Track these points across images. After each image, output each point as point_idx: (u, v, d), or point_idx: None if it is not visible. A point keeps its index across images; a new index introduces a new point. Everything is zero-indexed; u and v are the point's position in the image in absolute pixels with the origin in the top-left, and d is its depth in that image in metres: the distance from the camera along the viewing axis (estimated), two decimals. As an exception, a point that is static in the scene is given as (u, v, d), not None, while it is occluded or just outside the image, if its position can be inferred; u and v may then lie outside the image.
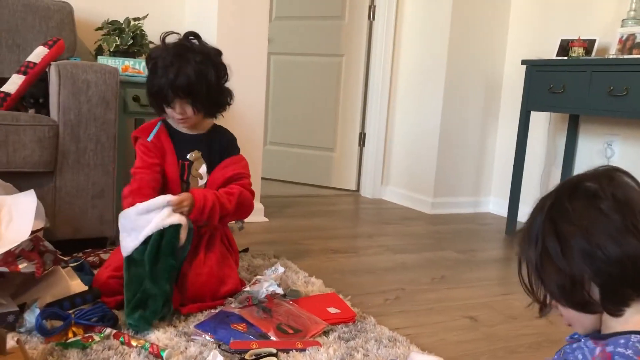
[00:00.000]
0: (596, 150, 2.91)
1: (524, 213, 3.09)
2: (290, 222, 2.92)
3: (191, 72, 1.66)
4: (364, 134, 3.76)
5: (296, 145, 3.99)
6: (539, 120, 3.13)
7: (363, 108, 3.76)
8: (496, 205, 3.48)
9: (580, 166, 2.99)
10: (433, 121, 3.36)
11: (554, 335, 1.70)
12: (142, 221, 1.57)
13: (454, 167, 3.41)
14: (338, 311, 1.66)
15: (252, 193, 1.83)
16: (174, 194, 1.67)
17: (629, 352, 0.73)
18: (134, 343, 1.37)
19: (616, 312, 0.80)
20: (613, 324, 0.82)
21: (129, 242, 1.57)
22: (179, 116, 1.74)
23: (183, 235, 1.58)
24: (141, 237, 1.55)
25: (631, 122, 2.72)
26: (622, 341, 0.76)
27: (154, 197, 1.61)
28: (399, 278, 2.14)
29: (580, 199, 0.81)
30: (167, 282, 1.53)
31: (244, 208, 1.79)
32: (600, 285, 0.79)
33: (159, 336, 1.44)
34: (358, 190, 3.84)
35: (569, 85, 2.60)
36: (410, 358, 1.09)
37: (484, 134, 3.46)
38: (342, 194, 3.81)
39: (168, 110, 1.74)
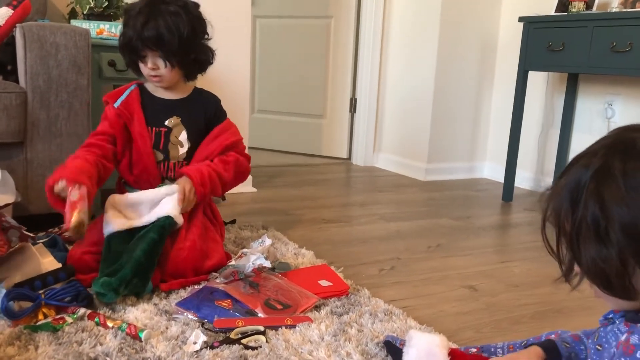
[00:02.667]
0: (596, 111, 2.80)
1: (521, 178, 3.00)
2: (280, 192, 2.81)
3: (161, 22, 1.57)
4: (355, 100, 3.63)
5: (284, 113, 3.86)
6: (537, 80, 3.01)
7: (354, 72, 3.62)
8: (492, 170, 3.38)
9: (580, 128, 2.89)
10: (426, 85, 3.24)
11: (559, 304, 1.61)
12: (141, 207, 1.58)
13: (448, 132, 3.30)
14: (330, 284, 1.56)
15: (248, 158, 1.81)
16: (146, 165, 1.62)
17: None
18: (110, 324, 1.27)
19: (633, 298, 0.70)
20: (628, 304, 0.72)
21: (116, 224, 1.50)
22: (152, 72, 1.64)
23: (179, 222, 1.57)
24: (137, 223, 1.53)
25: (633, 80, 2.61)
26: None
27: (89, 167, 1.52)
28: (393, 247, 2.04)
29: (636, 161, 0.68)
30: (142, 252, 1.42)
31: (241, 174, 1.78)
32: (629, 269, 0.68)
33: (138, 315, 1.34)
34: (349, 158, 3.73)
35: (569, 42, 2.47)
36: (409, 336, 0.99)
37: (478, 97, 3.34)
38: (333, 162, 3.69)
39: (141, 67, 1.65)
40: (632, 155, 0.68)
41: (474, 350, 1.13)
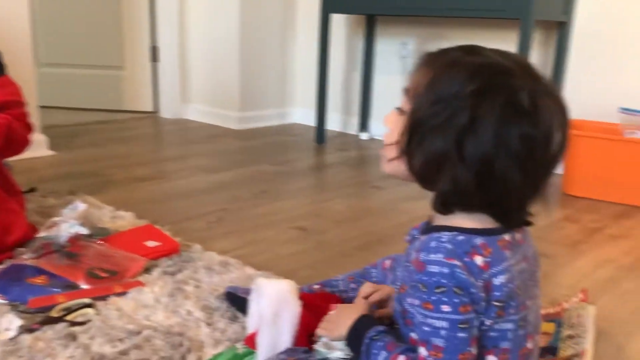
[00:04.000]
0: (393, 52, 2.98)
1: (330, 120, 3.10)
2: (83, 153, 2.55)
3: None
4: (156, 48, 3.40)
5: (77, 66, 3.47)
6: (339, 24, 3.10)
7: (151, 18, 3.37)
8: (302, 115, 3.45)
9: (380, 69, 3.05)
10: (231, 32, 3.14)
11: (380, 233, 1.71)
12: None
13: (258, 79, 3.27)
14: (158, 244, 1.46)
15: (29, 126, 1.51)
16: None
17: (439, 255, 0.68)
18: None
19: (443, 211, 0.74)
20: (436, 215, 0.76)
21: None
22: None
23: None
24: None
25: (424, 21, 2.81)
26: (432, 244, 0.70)
27: None
28: (218, 198, 1.98)
29: (511, 108, 0.67)
30: None
31: (14, 144, 1.44)
32: (456, 180, 0.70)
33: None
34: (156, 111, 3.52)
35: (367, -15, 2.57)
36: (258, 285, 0.96)
37: (284, 42, 3.35)
38: (139, 116, 3.45)
39: None
40: (500, 92, 0.69)
41: (316, 287, 1.14)
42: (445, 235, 0.71)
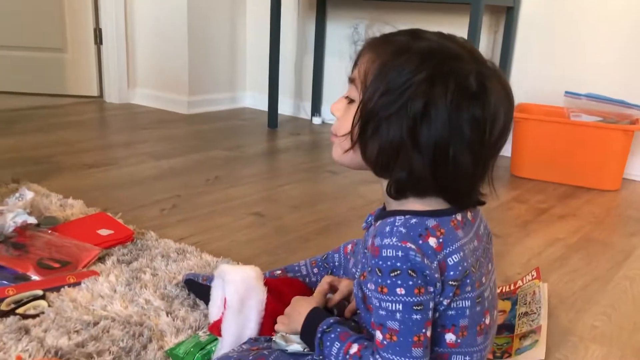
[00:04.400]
0: (344, 35, 2.97)
1: (282, 104, 3.07)
2: (25, 140, 2.44)
3: None
4: (100, 30, 3.28)
5: (15, 48, 3.30)
6: (289, 7, 3.06)
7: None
8: (253, 99, 3.41)
9: (331, 52, 3.05)
10: (178, 11, 3.05)
11: (338, 217, 1.72)
12: None
13: (207, 63, 3.20)
14: (111, 232, 1.42)
15: None
16: None
17: (394, 240, 0.69)
18: None
19: (396, 197, 0.75)
20: (389, 201, 0.77)
21: None
22: None
23: None
24: None
25: (375, 5, 2.81)
26: (387, 229, 0.71)
27: None
28: (170, 185, 1.94)
29: (460, 92, 0.67)
30: None
31: None
32: (411, 167, 0.70)
33: None
34: (101, 95, 3.40)
35: (318, -33, 2.54)
36: (222, 272, 0.94)
37: (233, 26, 3.29)
38: (83, 101, 3.33)
39: None
40: (451, 77, 0.68)
41: (278, 272, 1.14)
42: (398, 220, 0.72)
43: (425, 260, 0.69)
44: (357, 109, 0.73)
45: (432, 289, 0.70)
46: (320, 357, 0.79)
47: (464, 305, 0.73)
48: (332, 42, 3.03)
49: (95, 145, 2.44)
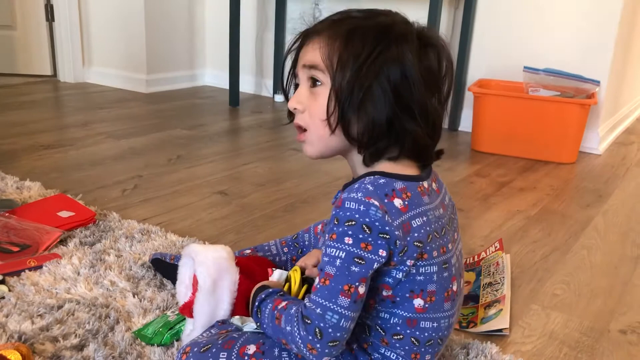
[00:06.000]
0: (305, 12, 2.94)
1: (243, 82, 3.04)
2: (-25, 120, 2.35)
3: None
4: (52, 6, 3.15)
5: (-39, 25, 3.16)
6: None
7: (44, -26, 3.12)
8: (213, 77, 3.35)
9: (292, 29, 3.01)
10: (135, -13, 2.97)
11: (304, 194, 1.72)
12: None
13: (166, 40, 3.12)
14: (72, 214, 1.38)
15: None
16: None
17: (359, 194, 0.70)
18: None
19: (370, 163, 0.76)
20: (360, 170, 0.78)
21: None
22: None
23: None
24: None
25: (335, -18, 2.79)
26: (355, 186, 0.72)
27: None
28: (131, 165, 1.90)
29: (410, 42, 0.72)
30: None
31: None
32: (403, 129, 0.72)
33: None
34: (55, 75, 3.29)
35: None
36: (193, 252, 0.93)
37: (191, 2, 3.21)
38: (35, 80, 3.21)
39: None
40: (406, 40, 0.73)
41: (248, 251, 1.13)
42: (368, 179, 0.73)
43: (387, 217, 0.69)
44: (331, 91, 0.73)
45: (383, 252, 0.69)
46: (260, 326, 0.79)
47: (431, 270, 0.74)
48: (293, 18, 3.00)
49: (51, 125, 2.36)
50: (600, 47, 2.26)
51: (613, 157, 2.32)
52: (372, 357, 0.77)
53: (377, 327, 0.76)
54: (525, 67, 2.24)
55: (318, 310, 0.68)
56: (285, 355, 0.77)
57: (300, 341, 0.69)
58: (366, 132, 0.73)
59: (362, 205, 0.69)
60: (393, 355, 0.76)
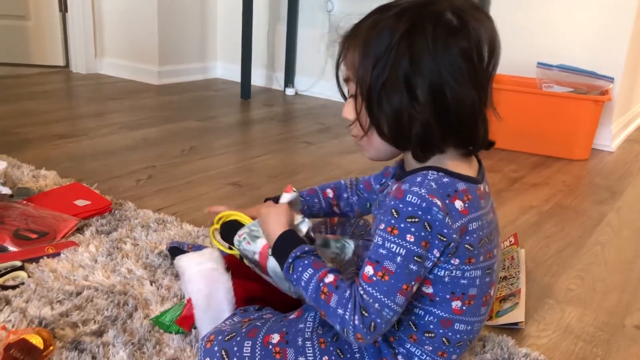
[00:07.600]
0: (317, 5, 2.94)
1: (255, 75, 3.04)
2: (-10, 110, 2.36)
3: None
4: (65, -3, 3.17)
5: (-25, 15, 3.18)
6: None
7: (58, -35, 3.13)
8: (225, 69, 3.36)
9: (304, 22, 3.01)
10: (148, -21, 2.97)
11: (317, 186, 1.72)
12: None
13: (178, 32, 3.13)
14: (88, 202, 1.39)
15: None
16: None
17: (423, 190, 0.69)
18: None
19: (423, 159, 0.75)
20: (414, 162, 0.78)
21: None
22: None
23: None
24: None
25: (348, -25, 2.79)
26: (418, 179, 0.71)
27: None
28: (145, 155, 1.91)
29: (442, 30, 0.69)
30: None
31: None
32: (427, 127, 0.71)
33: None
34: (67, 65, 3.30)
35: None
36: (178, 267, 0.92)
37: (204, -7, 3.22)
38: (49, 71, 3.23)
39: None
40: (440, 26, 0.70)
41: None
42: (431, 174, 0.72)
43: (448, 219, 0.69)
44: (357, 95, 0.74)
45: (437, 252, 0.70)
46: (289, 279, 0.78)
47: (475, 275, 0.74)
48: (305, 11, 3.00)
49: (64, 115, 2.37)
50: (615, 44, 2.24)
51: (626, 154, 2.31)
52: (397, 351, 0.77)
53: (410, 323, 0.76)
54: (538, 63, 2.23)
55: (376, 306, 0.69)
56: (308, 345, 0.77)
57: (351, 328, 0.69)
58: (394, 129, 0.73)
59: (424, 203, 0.69)
60: (418, 352, 0.76)
